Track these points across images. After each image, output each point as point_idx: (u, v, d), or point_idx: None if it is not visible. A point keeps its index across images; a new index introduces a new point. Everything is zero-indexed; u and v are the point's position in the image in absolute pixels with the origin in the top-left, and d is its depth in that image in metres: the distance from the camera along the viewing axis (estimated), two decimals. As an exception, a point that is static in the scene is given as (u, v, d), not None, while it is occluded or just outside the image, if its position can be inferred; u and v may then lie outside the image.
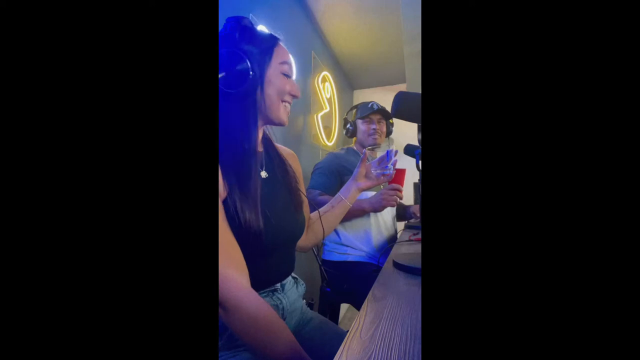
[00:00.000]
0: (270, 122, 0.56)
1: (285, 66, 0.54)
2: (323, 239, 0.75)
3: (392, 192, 1.02)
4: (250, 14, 1.16)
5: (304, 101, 1.71)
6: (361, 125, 1.28)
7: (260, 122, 0.56)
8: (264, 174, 0.57)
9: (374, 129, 1.25)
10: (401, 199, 1.05)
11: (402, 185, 1.05)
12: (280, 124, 0.57)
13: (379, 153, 1.06)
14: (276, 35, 0.56)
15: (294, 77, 0.58)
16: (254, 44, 0.51)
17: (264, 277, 0.55)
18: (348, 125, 1.34)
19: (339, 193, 0.78)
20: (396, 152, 0.82)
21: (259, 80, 0.51)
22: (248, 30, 0.52)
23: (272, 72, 0.53)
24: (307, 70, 1.75)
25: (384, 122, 1.28)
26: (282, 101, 0.55)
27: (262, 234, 0.49)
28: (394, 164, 0.81)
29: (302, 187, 0.70)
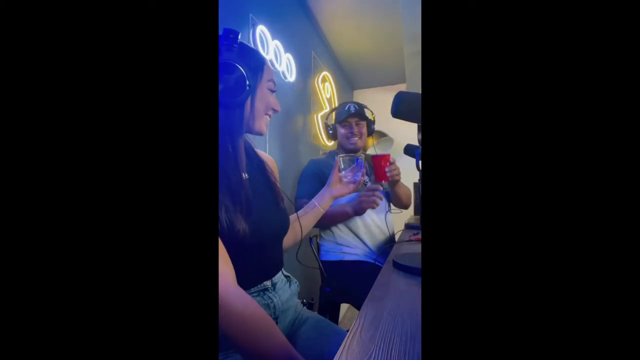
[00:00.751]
0: (251, 131, 0.61)
1: (271, 83, 0.61)
2: (300, 239, 0.77)
3: (370, 194, 1.01)
4: (250, 14, 1.16)
5: (304, 101, 1.71)
6: (340, 129, 1.28)
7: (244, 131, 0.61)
8: (245, 175, 0.60)
9: (352, 132, 1.24)
10: (381, 198, 1.04)
11: (383, 171, 1.04)
12: (260, 134, 0.62)
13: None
14: (263, 55, 0.63)
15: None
16: (247, 60, 0.57)
17: (252, 275, 0.56)
18: (329, 129, 1.34)
19: (313, 199, 0.80)
20: (364, 164, 0.84)
21: (251, 93, 0.57)
22: (243, 47, 0.58)
23: (262, 87, 0.59)
24: (307, 70, 1.75)
25: (363, 123, 1.26)
26: (266, 114, 0.61)
27: (247, 232, 0.51)
28: (362, 174, 0.83)
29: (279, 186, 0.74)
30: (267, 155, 0.76)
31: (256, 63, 0.58)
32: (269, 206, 0.62)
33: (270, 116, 0.63)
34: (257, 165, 0.66)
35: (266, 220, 0.58)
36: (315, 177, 1.18)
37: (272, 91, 0.62)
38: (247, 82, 0.54)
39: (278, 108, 0.63)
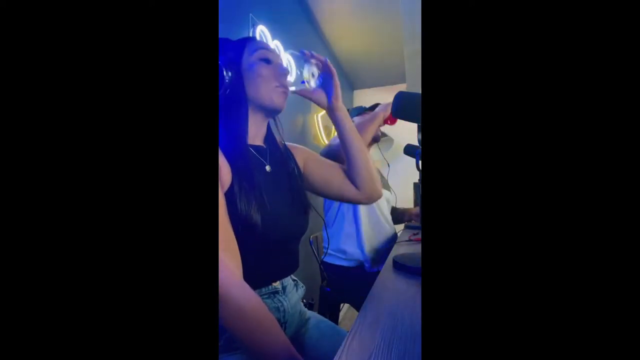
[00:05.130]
0: (266, 110, 0.58)
1: (261, 52, 0.57)
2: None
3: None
4: (250, 14, 1.16)
5: (304, 101, 1.71)
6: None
7: (254, 115, 0.58)
8: (268, 167, 0.58)
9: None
10: None
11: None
12: (274, 109, 0.58)
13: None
14: (250, 37, 0.62)
15: (281, 58, 0.61)
16: (225, 55, 0.56)
17: (262, 273, 0.54)
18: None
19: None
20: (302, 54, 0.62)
21: (236, 77, 0.55)
22: (221, 45, 0.57)
23: (246, 65, 0.56)
24: (307, 70, 1.74)
25: None
26: (274, 87, 0.57)
27: (259, 226, 0.50)
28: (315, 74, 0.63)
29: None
30: (301, 148, 0.71)
31: (234, 51, 0.57)
32: (286, 204, 0.58)
33: (284, 91, 0.58)
34: (281, 161, 0.63)
35: (282, 218, 0.56)
36: None
37: (266, 60, 0.57)
38: (224, 72, 0.53)
39: (284, 70, 0.58)
